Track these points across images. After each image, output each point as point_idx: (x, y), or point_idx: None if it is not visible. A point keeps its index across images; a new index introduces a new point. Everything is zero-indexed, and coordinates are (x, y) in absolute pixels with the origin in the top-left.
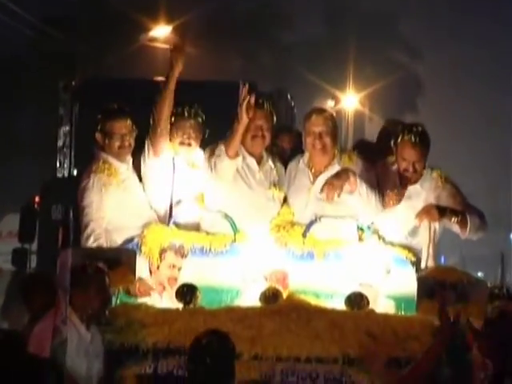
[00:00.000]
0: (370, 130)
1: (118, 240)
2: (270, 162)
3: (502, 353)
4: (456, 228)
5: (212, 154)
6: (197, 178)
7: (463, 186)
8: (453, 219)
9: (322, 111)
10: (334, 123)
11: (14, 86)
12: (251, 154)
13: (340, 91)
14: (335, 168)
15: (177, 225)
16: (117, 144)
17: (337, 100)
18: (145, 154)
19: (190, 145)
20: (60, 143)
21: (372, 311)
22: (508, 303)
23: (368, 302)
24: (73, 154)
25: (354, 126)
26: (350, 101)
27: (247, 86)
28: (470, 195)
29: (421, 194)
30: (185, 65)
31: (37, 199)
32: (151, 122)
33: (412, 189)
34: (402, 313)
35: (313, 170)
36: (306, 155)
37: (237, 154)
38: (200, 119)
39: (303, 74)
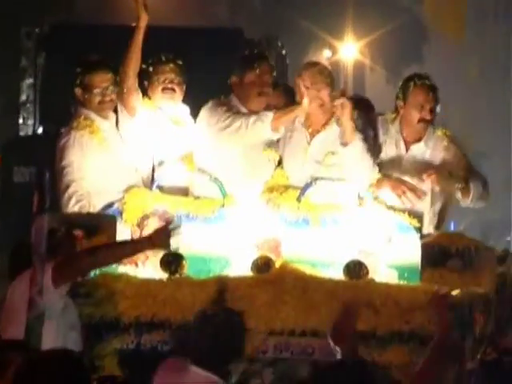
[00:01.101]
0: (372, 83)
1: (98, 205)
2: None
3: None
4: (458, 195)
5: (238, 112)
6: (182, 136)
7: (474, 143)
8: (456, 185)
9: (317, 65)
10: (332, 77)
11: None
12: (251, 111)
13: (337, 40)
14: (333, 127)
15: (161, 189)
16: (97, 99)
17: (334, 49)
18: (118, 115)
19: (173, 90)
20: (23, 98)
21: (372, 281)
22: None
23: (368, 271)
24: (37, 109)
25: (353, 78)
26: (348, 50)
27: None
28: (479, 154)
29: (425, 152)
30: (169, 9)
31: None
32: (118, 78)
33: (415, 148)
34: (405, 282)
35: (310, 130)
36: (302, 117)
37: (279, 129)
38: (180, 63)
39: (296, 21)
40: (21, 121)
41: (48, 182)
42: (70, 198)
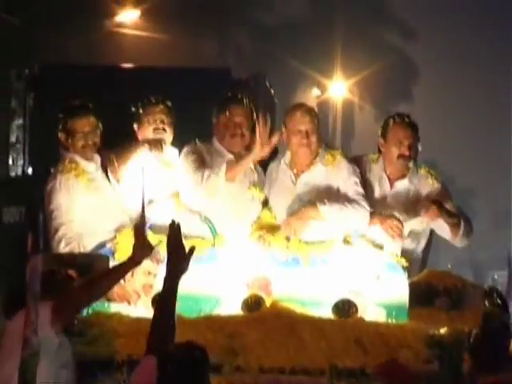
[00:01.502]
0: (361, 121)
1: (89, 245)
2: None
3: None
4: (446, 231)
5: (202, 163)
6: (171, 178)
7: (461, 181)
8: (449, 220)
9: (307, 108)
10: (318, 120)
11: None
12: (230, 153)
13: (327, 78)
14: (318, 167)
15: (151, 229)
16: (80, 143)
17: (323, 88)
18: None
19: (164, 130)
20: (12, 138)
21: (361, 319)
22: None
23: (357, 310)
24: (27, 150)
25: (342, 116)
26: (338, 89)
27: (267, 118)
28: (470, 191)
29: (409, 189)
30: (157, 49)
31: None
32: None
33: (399, 184)
34: (393, 321)
35: (295, 170)
36: (287, 155)
37: (234, 179)
38: (169, 104)
39: (285, 60)
40: (10, 161)
41: (42, 223)
42: (59, 241)
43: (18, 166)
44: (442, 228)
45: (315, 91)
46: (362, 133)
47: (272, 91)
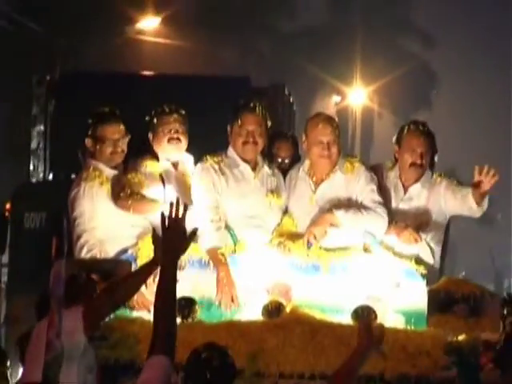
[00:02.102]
0: (380, 128)
1: (111, 251)
2: (267, 168)
3: None
4: (471, 203)
5: (212, 185)
6: (188, 186)
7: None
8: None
9: (329, 119)
10: (339, 130)
11: None
12: (245, 161)
13: (346, 85)
14: (337, 175)
15: None
16: (109, 150)
17: (343, 95)
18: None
19: (179, 140)
20: (33, 144)
21: (381, 325)
22: None
23: (376, 316)
24: (48, 156)
25: (362, 123)
26: (357, 96)
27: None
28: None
29: (422, 193)
30: (177, 56)
31: (8, 206)
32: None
33: (412, 189)
34: (412, 328)
35: (314, 179)
36: (306, 163)
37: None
38: (183, 113)
39: (305, 67)
40: (31, 167)
41: (66, 229)
42: (81, 247)
43: (39, 172)
44: (460, 205)
45: (335, 98)
46: (381, 140)
47: (291, 99)
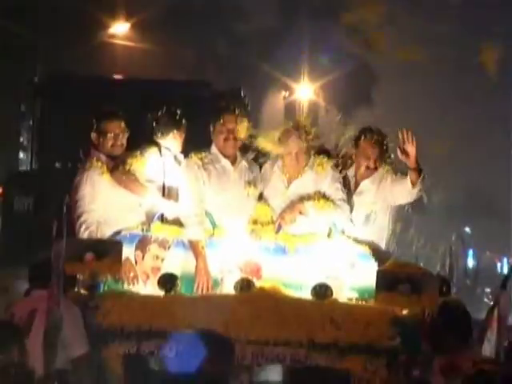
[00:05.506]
0: (326, 122)
1: (107, 232)
2: (244, 162)
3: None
4: (408, 185)
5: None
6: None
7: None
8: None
9: (296, 134)
10: (308, 138)
11: None
12: (225, 156)
13: (294, 82)
14: (308, 174)
15: (161, 220)
16: (110, 142)
17: (291, 91)
18: None
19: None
20: (22, 137)
21: (335, 300)
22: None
23: (332, 293)
24: (34, 147)
25: (308, 117)
26: (304, 91)
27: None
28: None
29: (371, 189)
30: (146, 59)
31: None
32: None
33: (363, 185)
34: (363, 303)
35: (287, 176)
36: (280, 162)
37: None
38: (178, 118)
39: (256, 65)
40: (21, 156)
41: (65, 213)
42: (80, 225)
43: (27, 161)
44: (401, 192)
45: (283, 93)
46: (327, 132)
47: (246, 101)
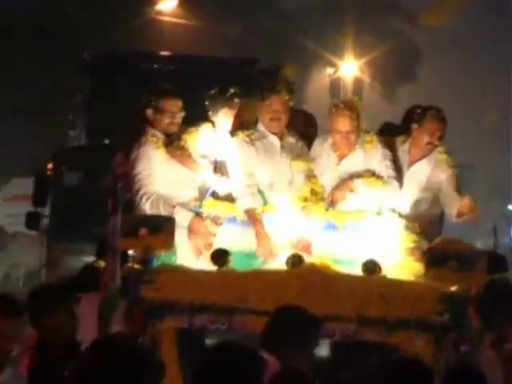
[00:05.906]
0: (370, 98)
1: (162, 207)
2: (291, 138)
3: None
4: (454, 210)
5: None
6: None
7: (461, 157)
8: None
9: (348, 109)
10: (358, 116)
11: (27, 58)
12: (272, 133)
13: (339, 59)
14: (357, 152)
15: (214, 196)
16: (167, 120)
17: (336, 67)
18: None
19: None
20: (73, 114)
21: (384, 277)
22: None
23: (381, 269)
24: (85, 124)
25: (353, 93)
26: (349, 68)
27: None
28: (470, 166)
29: (426, 169)
30: (193, 37)
31: (49, 166)
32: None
33: (419, 164)
34: (412, 279)
35: (337, 153)
36: (330, 140)
37: None
38: (230, 95)
39: (302, 42)
40: (71, 133)
41: (120, 189)
42: (141, 197)
43: (77, 137)
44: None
45: (328, 70)
46: (370, 109)
47: (290, 80)
